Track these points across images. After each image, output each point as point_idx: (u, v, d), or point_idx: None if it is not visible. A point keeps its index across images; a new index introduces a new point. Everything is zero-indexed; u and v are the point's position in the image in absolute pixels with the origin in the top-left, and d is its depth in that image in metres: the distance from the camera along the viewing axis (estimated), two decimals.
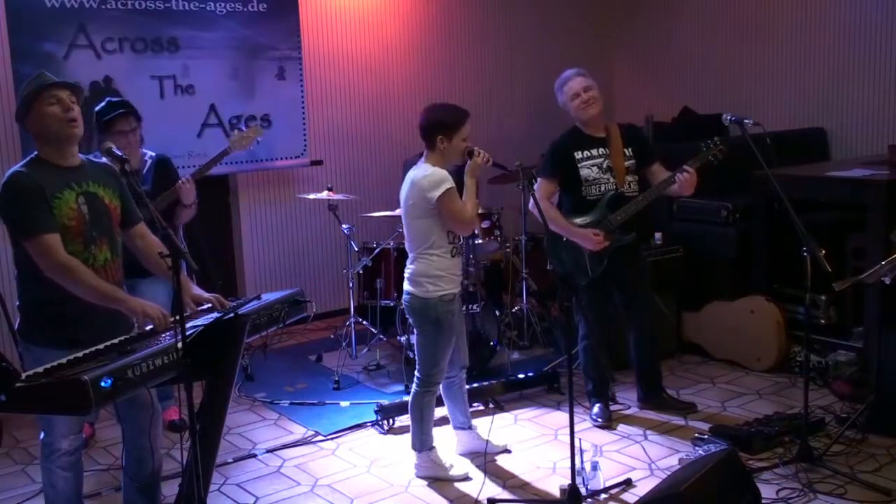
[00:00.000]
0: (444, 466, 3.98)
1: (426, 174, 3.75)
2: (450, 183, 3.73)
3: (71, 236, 3.00)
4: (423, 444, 4.01)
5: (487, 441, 4.09)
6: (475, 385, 4.81)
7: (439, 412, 4.18)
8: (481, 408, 4.77)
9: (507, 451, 4.16)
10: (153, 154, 4.45)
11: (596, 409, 4.57)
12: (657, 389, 4.70)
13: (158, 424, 3.34)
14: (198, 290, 3.30)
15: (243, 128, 5.99)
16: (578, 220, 4.41)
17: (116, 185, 3.20)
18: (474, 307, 5.20)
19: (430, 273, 3.82)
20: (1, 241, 5.31)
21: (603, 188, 4.40)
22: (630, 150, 4.46)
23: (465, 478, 3.95)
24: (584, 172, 4.39)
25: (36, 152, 3.07)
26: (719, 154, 4.27)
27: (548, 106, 7.67)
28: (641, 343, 4.64)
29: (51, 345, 2.97)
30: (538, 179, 4.42)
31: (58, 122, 3.00)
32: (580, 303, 4.47)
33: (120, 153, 3.07)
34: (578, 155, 4.41)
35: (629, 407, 4.72)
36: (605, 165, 4.40)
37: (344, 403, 4.94)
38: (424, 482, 3.95)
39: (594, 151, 4.42)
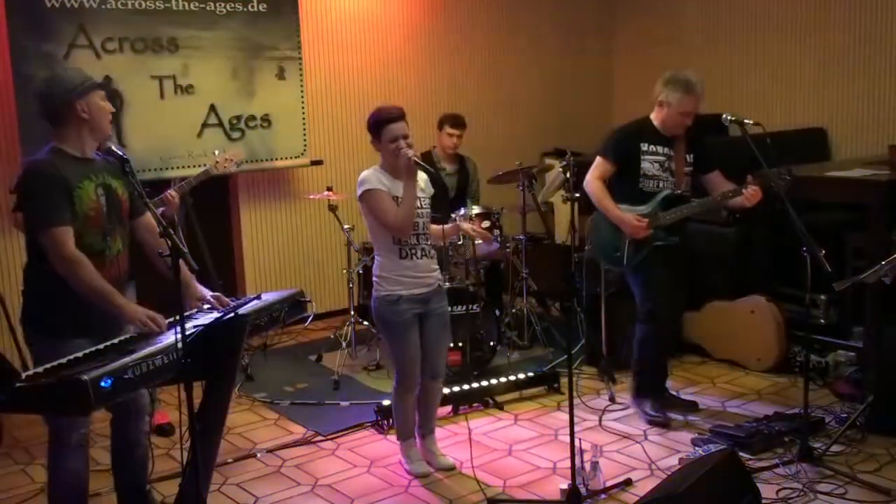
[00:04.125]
0: (410, 460, 4.06)
1: (360, 175, 3.83)
2: (370, 185, 3.75)
3: (90, 226, 3.08)
4: (398, 433, 4.13)
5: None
6: (475, 385, 4.82)
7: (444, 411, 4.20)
8: (482, 408, 4.78)
9: (453, 468, 4.07)
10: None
11: (648, 407, 4.52)
12: (661, 389, 4.69)
13: (142, 418, 3.41)
14: (201, 289, 3.33)
15: (244, 127, 5.99)
16: (628, 208, 4.36)
17: (125, 178, 3.24)
18: (474, 307, 5.20)
19: (376, 272, 3.91)
20: (0, 240, 5.31)
21: (661, 185, 4.37)
22: (691, 156, 4.42)
23: (422, 475, 3.98)
24: (645, 165, 4.35)
25: (53, 143, 3.12)
26: (783, 185, 4.08)
27: (548, 106, 7.70)
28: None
29: (60, 332, 3.03)
30: (598, 158, 4.41)
31: (107, 119, 3.17)
32: (654, 298, 4.41)
33: (121, 152, 3.09)
34: (644, 147, 4.36)
35: (629, 407, 4.72)
36: (666, 165, 4.37)
37: (344, 403, 4.94)
38: (424, 482, 3.95)
39: (659, 148, 4.37)
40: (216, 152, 4.72)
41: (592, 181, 4.41)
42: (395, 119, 3.76)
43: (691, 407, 4.63)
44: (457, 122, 5.93)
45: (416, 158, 3.71)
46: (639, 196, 4.38)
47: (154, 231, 3.32)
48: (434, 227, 4.01)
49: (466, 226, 4.28)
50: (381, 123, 3.76)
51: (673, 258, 4.45)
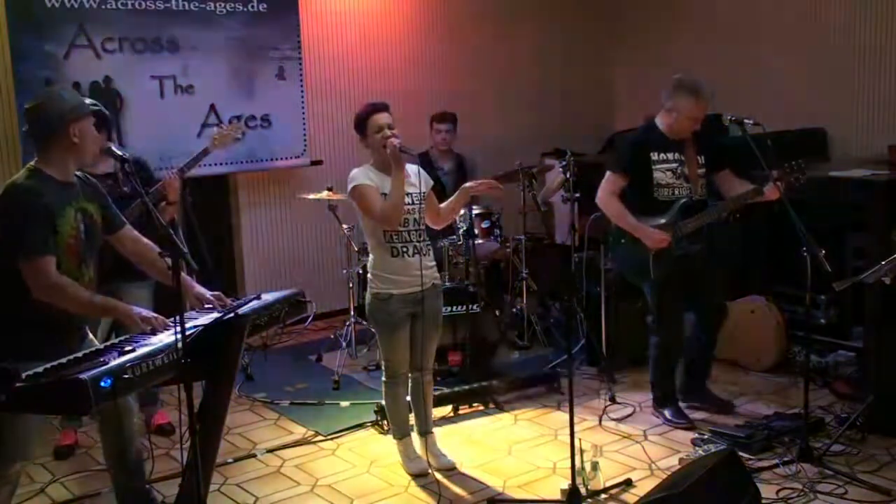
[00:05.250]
0: (408, 458, 4.04)
1: (350, 174, 3.85)
2: (357, 181, 3.78)
3: (68, 255, 3.00)
4: (393, 431, 4.11)
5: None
6: (475, 385, 4.81)
7: (441, 412, 4.19)
8: (482, 408, 4.77)
9: (453, 468, 4.04)
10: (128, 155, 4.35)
11: (668, 413, 4.48)
12: (703, 385, 4.66)
13: (130, 420, 3.38)
14: (199, 289, 3.32)
15: (242, 128, 5.98)
16: (646, 221, 4.29)
17: (99, 198, 3.21)
18: (474, 307, 5.20)
19: (370, 270, 3.92)
20: None
21: (676, 192, 4.31)
22: (702, 157, 4.37)
23: (420, 474, 3.96)
24: (657, 175, 4.29)
25: (34, 164, 3.02)
26: (801, 178, 4.11)
27: (548, 105, 7.70)
28: (703, 342, 4.58)
29: (28, 357, 2.84)
30: (608, 173, 4.34)
31: (96, 147, 3.11)
32: (661, 309, 4.40)
33: (121, 152, 3.08)
34: (654, 156, 4.30)
35: (629, 407, 4.72)
36: (679, 171, 4.31)
37: (344, 403, 4.94)
38: (424, 482, 3.95)
39: (670, 155, 4.31)
40: (214, 129, 4.68)
41: (608, 198, 4.31)
42: (378, 110, 3.80)
43: (726, 407, 4.58)
44: (443, 117, 5.95)
45: (402, 146, 3.70)
46: (655, 206, 4.31)
47: (141, 243, 3.30)
48: (442, 205, 4.00)
49: (471, 183, 3.99)
50: (364, 119, 3.79)
51: (698, 265, 4.36)
